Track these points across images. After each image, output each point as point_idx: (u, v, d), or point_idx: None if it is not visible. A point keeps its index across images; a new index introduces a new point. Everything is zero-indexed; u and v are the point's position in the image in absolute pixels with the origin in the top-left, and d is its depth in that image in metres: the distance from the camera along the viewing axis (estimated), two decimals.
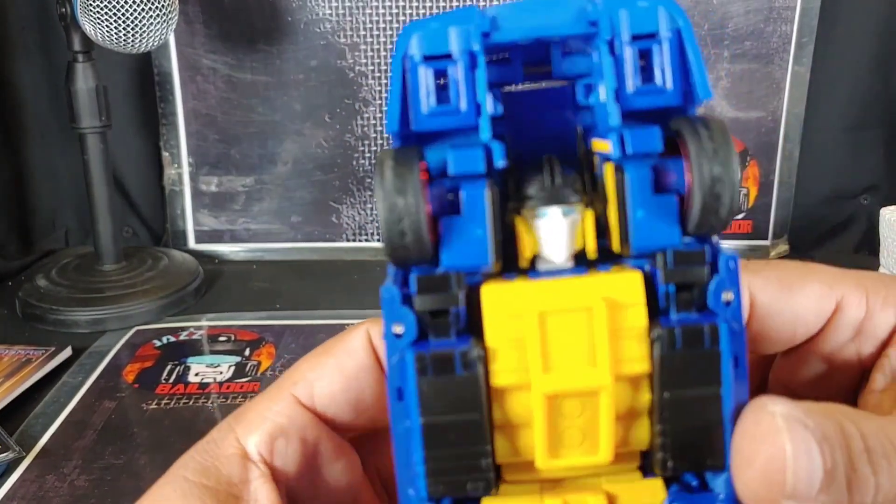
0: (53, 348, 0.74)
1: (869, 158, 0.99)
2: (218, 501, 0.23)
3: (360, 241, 1.01)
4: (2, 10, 0.95)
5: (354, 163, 0.99)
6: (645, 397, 0.21)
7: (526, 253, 0.21)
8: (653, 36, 0.20)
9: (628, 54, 0.20)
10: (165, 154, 0.99)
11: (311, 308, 0.85)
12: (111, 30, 0.75)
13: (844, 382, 0.25)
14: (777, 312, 0.24)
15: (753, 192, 0.97)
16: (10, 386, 0.68)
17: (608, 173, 0.21)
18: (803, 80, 0.94)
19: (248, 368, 0.73)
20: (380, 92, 0.96)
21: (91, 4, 0.74)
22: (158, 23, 0.76)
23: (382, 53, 0.95)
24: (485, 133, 0.20)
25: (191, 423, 0.65)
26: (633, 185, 0.20)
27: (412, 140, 0.21)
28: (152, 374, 0.73)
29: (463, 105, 0.21)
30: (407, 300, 0.21)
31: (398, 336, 0.21)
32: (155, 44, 0.77)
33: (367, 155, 0.98)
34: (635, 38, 0.20)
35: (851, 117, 0.97)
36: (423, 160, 0.21)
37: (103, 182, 0.86)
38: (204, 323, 0.83)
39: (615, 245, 0.21)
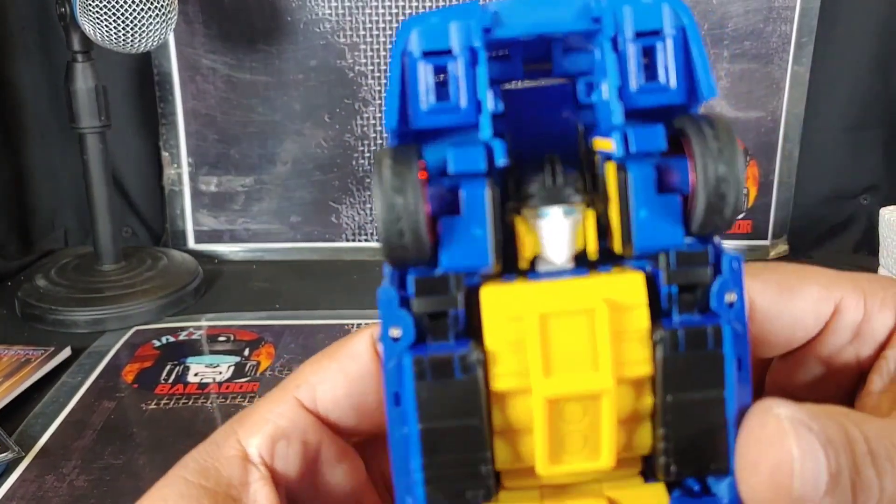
0: (53, 348, 0.74)
1: (869, 158, 0.99)
2: (216, 503, 0.23)
3: (359, 241, 1.01)
4: (2, 10, 0.95)
5: (354, 163, 0.99)
6: (647, 401, 0.20)
7: (526, 254, 0.21)
8: (657, 33, 0.20)
9: (632, 51, 0.20)
10: (165, 154, 0.99)
11: (310, 308, 0.85)
12: (111, 30, 0.75)
13: (842, 384, 0.25)
14: (776, 316, 0.24)
15: (753, 192, 0.97)
16: (10, 386, 0.68)
17: (610, 172, 0.21)
18: (803, 80, 0.94)
19: (247, 368, 0.73)
20: (379, 92, 0.96)
21: (90, 4, 0.74)
22: (158, 23, 0.76)
23: (382, 53, 0.95)
24: (485, 131, 0.20)
25: (190, 423, 0.65)
26: (636, 184, 0.20)
27: (410, 138, 0.21)
28: (152, 374, 0.73)
29: (463, 102, 0.20)
30: (404, 302, 0.20)
31: (395, 339, 0.20)
32: (154, 44, 0.77)
33: (367, 155, 0.98)
34: (639, 35, 0.20)
35: (851, 117, 0.97)
36: (421, 158, 0.20)
37: (103, 182, 0.86)
38: (203, 323, 0.83)
39: (617, 246, 0.21)
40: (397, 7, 0.93)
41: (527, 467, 0.21)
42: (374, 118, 0.97)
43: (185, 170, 0.99)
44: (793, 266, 0.25)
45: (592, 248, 0.21)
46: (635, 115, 0.20)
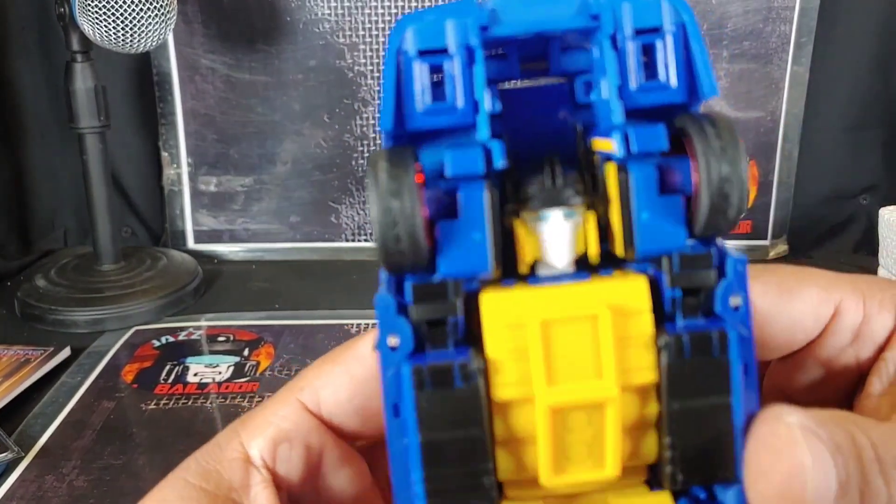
0: (52, 348, 0.74)
1: (868, 158, 0.99)
2: None
3: (359, 240, 1.01)
4: (2, 10, 0.95)
5: (353, 163, 0.99)
6: (652, 408, 0.20)
7: (526, 258, 0.20)
8: (656, 30, 0.20)
9: (631, 49, 0.20)
10: (164, 154, 0.99)
11: (310, 308, 0.85)
12: (110, 30, 0.75)
13: (841, 387, 0.25)
14: (776, 318, 0.24)
15: (753, 192, 0.97)
16: (9, 386, 0.68)
17: (610, 173, 0.20)
18: (802, 80, 0.94)
19: (246, 368, 0.73)
20: (379, 92, 0.96)
21: (90, 4, 0.74)
22: (157, 23, 0.76)
23: (382, 53, 0.95)
24: (483, 132, 0.20)
25: (189, 423, 0.65)
26: (637, 185, 0.19)
27: (405, 139, 0.20)
28: (151, 374, 0.73)
29: (460, 102, 0.20)
30: (402, 309, 0.20)
31: (393, 348, 0.20)
32: (154, 44, 0.77)
33: (367, 155, 0.98)
34: (638, 32, 0.20)
35: (851, 117, 0.97)
36: (417, 161, 0.20)
37: (102, 182, 0.86)
38: (203, 323, 0.83)
39: (618, 248, 0.20)
40: (397, 7, 0.93)
41: (530, 478, 0.20)
42: (374, 118, 0.97)
43: (185, 170, 0.99)
44: (791, 268, 0.25)
45: (594, 252, 0.20)
46: (635, 114, 0.20)
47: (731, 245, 0.20)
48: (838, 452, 0.18)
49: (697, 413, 0.20)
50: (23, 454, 0.60)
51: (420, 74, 0.20)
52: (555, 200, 0.20)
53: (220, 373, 0.73)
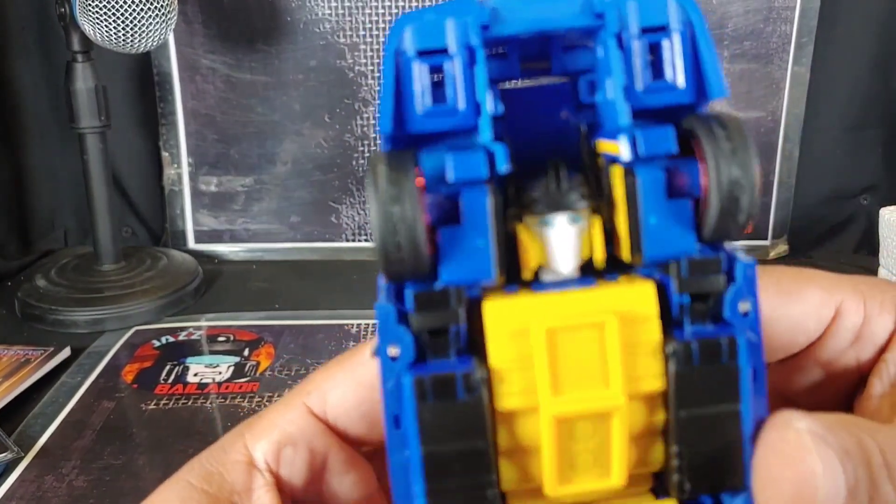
0: (52, 348, 0.74)
1: (868, 158, 0.99)
2: None
3: (359, 241, 1.01)
4: (2, 10, 0.95)
5: (354, 163, 0.99)
6: (659, 416, 0.19)
7: (531, 264, 0.20)
8: (663, 29, 0.19)
9: (637, 49, 0.19)
10: (165, 154, 0.99)
11: (310, 308, 0.85)
12: (110, 30, 0.75)
13: (841, 389, 0.25)
14: (777, 320, 0.24)
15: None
16: (9, 386, 0.68)
17: (617, 177, 0.20)
18: (803, 80, 0.94)
19: (247, 369, 0.73)
20: (379, 92, 0.96)
21: (90, 4, 0.74)
22: (157, 23, 0.76)
23: (382, 53, 0.95)
24: (485, 134, 0.19)
25: (189, 423, 0.65)
26: (645, 189, 0.19)
27: (404, 142, 0.20)
28: (151, 374, 0.73)
29: (461, 104, 0.19)
30: (402, 318, 0.19)
31: (394, 358, 0.19)
32: (154, 44, 0.77)
33: (367, 155, 0.98)
34: (644, 31, 0.19)
35: (851, 117, 0.97)
36: (417, 165, 0.19)
37: (102, 182, 0.86)
38: (203, 323, 0.83)
39: (625, 254, 0.20)
40: (397, 7, 0.93)
41: (534, 487, 0.20)
42: (374, 118, 0.97)
43: (185, 170, 0.99)
44: (791, 269, 0.25)
45: (600, 257, 0.20)
46: (640, 114, 0.19)
47: (737, 247, 0.20)
48: (847, 458, 0.18)
49: (706, 421, 0.19)
50: (23, 454, 0.60)
51: (419, 75, 0.19)
52: (559, 204, 0.20)
53: (220, 373, 0.73)
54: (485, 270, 0.19)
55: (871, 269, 0.84)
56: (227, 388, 0.70)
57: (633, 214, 0.19)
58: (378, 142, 0.97)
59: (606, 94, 0.20)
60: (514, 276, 0.20)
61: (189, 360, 0.75)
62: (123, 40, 0.75)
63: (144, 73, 0.97)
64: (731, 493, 0.20)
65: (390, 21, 0.94)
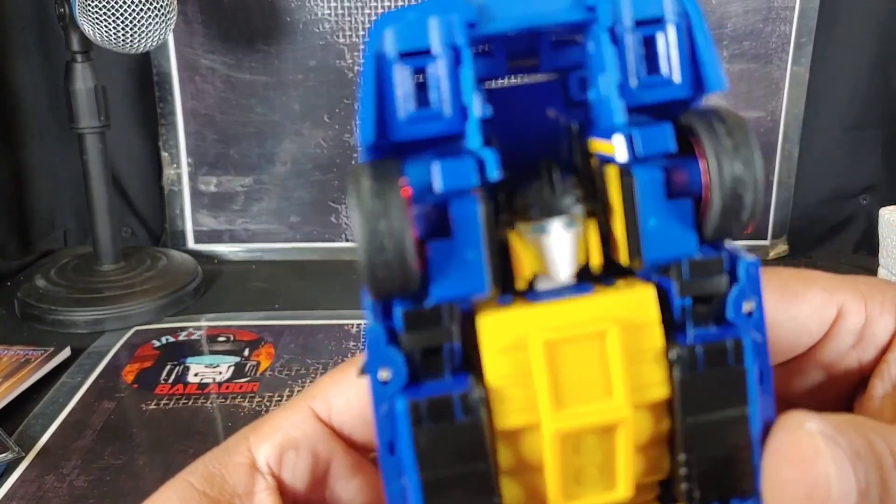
0: (52, 348, 0.74)
1: (868, 158, 0.99)
2: None
3: None
4: (1, 10, 0.95)
5: (353, 163, 0.99)
6: (664, 424, 0.19)
7: (525, 273, 0.19)
8: (657, 21, 0.18)
9: (631, 42, 0.18)
10: (164, 154, 0.99)
11: (310, 308, 0.85)
12: (110, 30, 0.75)
13: (842, 390, 0.25)
14: (779, 322, 0.23)
15: None
16: (10, 386, 0.68)
17: (612, 178, 0.19)
18: (802, 80, 0.94)
19: (247, 369, 0.73)
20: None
21: (90, 5, 0.74)
22: (157, 23, 0.76)
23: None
24: (474, 140, 0.18)
25: (190, 423, 0.65)
26: (643, 190, 0.18)
27: (385, 151, 0.18)
28: (151, 374, 0.73)
29: (447, 108, 0.18)
30: (392, 337, 0.18)
31: (385, 382, 0.18)
32: (154, 44, 0.77)
33: None
34: (638, 23, 0.18)
35: (851, 117, 0.97)
36: (403, 175, 0.18)
37: (102, 182, 0.86)
38: (203, 323, 0.83)
39: (622, 257, 0.19)
40: (397, 7, 0.93)
41: None
42: None
43: (185, 170, 0.99)
44: (791, 270, 0.24)
45: (597, 263, 0.19)
46: (634, 111, 0.18)
47: (739, 246, 0.19)
48: (858, 459, 0.18)
49: (713, 427, 0.19)
50: (23, 454, 0.60)
51: (401, 79, 0.18)
52: (554, 209, 0.19)
53: (220, 373, 0.73)
54: (478, 284, 0.18)
55: (870, 269, 0.84)
56: (227, 388, 0.70)
57: (631, 217, 0.18)
58: None
59: (599, 91, 0.19)
60: (507, 286, 0.19)
61: (189, 360, 0.75)
62: (123, 40, 0.75)
63: (144, 73, 0.97)
64: (740, 499, 0.19)
65: None
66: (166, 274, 0.88)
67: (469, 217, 0.18)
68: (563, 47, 0.20)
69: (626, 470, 0.19)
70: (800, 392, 0.25)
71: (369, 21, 0.94)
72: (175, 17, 0.78)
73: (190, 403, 0.68)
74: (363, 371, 0.19)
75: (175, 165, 0.99)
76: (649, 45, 0.18)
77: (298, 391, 0.69)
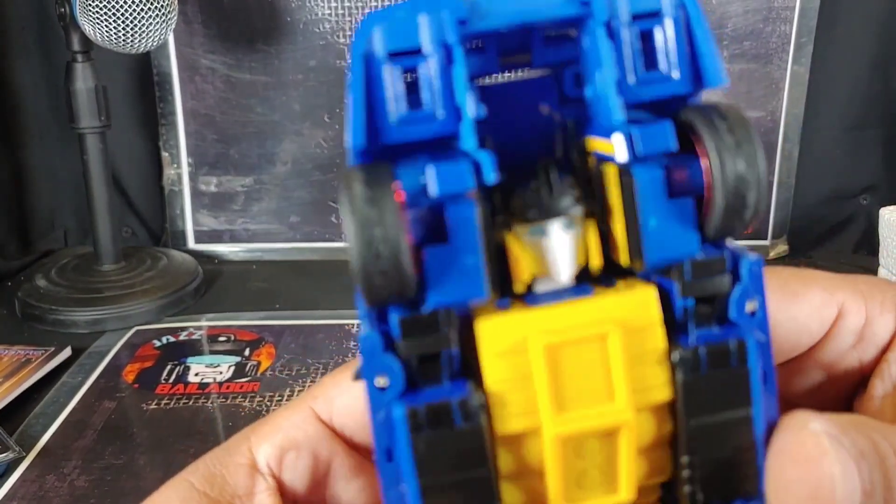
0: (53, 348, 0.74)
1: (868, 158, 0.99)
2: None
3: None
4: (1, 10, 0.95)
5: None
6: (667, 426, 0.19)
7: (523, 276, 0.19)
8: (655, 15, 0.18)
9: (627, 37, 0.18)
10: (165, 154, 0.99)
11: (310, 308, 0.85)
12: (110, 30, 0.75)
13: (842, 390, 0.25)
14: (779, 322, 0.23)
15: None
16: (10, 386, 0.68)
17: (611, 177, 0.18)
18: (802, 80, 0.94)
19: (247, 368, 0.73)
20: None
21: (90, 4, 0.74)
22: (157, 23, 0.76)
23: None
24: (469, 142, 0.17)
25: (190, 423, 0.65)
26: (644, 190, 0.18)
27: (376, 155, 0.18)
28: (152, 374, 0.73)
29: (439, 110, 0.17)
30: (389, 344, 0.18)
31: (382, 389, 0.18)
32: (154, 44, 0.77)
33: None
34: (635, 17, 0.18)
35: (851, 117, 0.97)
36: (396, 179, 0.17)
37: (102, 182, 0.86)
38: (203, 323, 0.83)
39: (623, 258, 0.18)
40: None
41: None
42: None
43: (185, 170, 0.99)
44: (791, 269, 0.24)
45: (597, 264, 0.19)
46: (631, 107, 0.18)
47: (740, 245, 0.19)
48: (863, 460, 0.18)
49: (717, 428, 0.18)
50: (24, 454, 0.60)
51: (391, 80, 0.17)
52: (552, 210, 0.18)
53: (220, 373, 0.73)
54: (477, 290, 0.18)
55: (871, 269, 0.84)
56: (227, 387, 0.70)
57: (632, 217, 0.18)
58: None
59: (596, 88, 0.18)
60: (505, 289, 0.19)
61: (190, 359, 0.75)
62: (123, 40, 0.75)
63: (144, 73, 0.97)
64: (743, 500, 0.19)
65: None
66: (167, 274, 0.88)
67: (466, 221, 0.17)
68: (556, 42, 0.20)
69: (629, 473, 0.18)
70: (800, 392, 0.25)
71: None
72: (175, 17, 0.78)
73: (190, 403, 0.68)
74: (358, 376, 0.18)
75: (175, 165, 0.99)
76: (646, 39, 0.18)
77: (299, 391, 0.69)
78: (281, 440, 0.24)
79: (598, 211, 0.19)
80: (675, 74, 0.18)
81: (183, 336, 0.80)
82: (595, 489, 0.19)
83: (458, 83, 0.17)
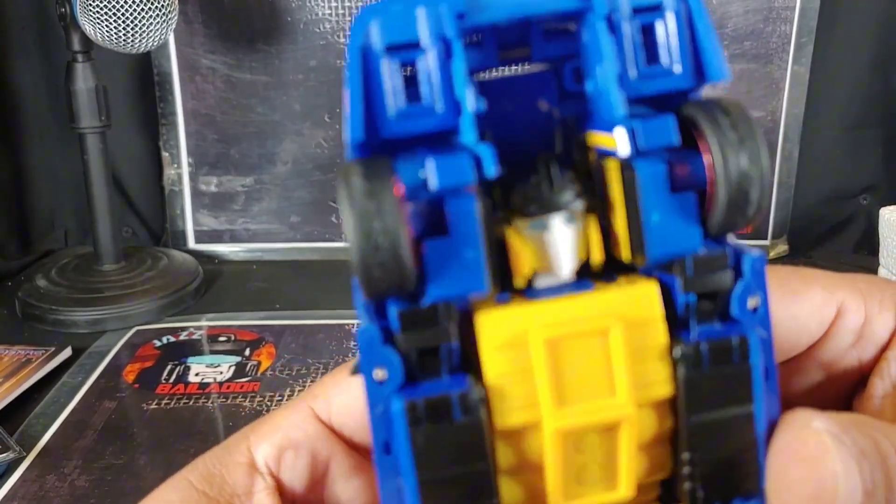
0: (53, 348, 0.74)
1: (868, 158, 0.99)
2: None
3: None
4: (1, 10, 0.95)
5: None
6: (668, 422, 0.18)
7: (524, 270, 0.18)
8: (656, 8, 0.18)
9: (628, 31, 0.17)
10: (165, 154, 0.99)
11: (310, 308, 0.85)
12: (111, 30, 0.75)
13: (841, 389, 0.25)
14: (779, 321, 0.23)
15: None
16: (10, 386, 0.68)
17: (613, 172, 0.18)
18: (802, 80, 0.94)
19: (248, 368, 0.73)
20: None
21: (91, 4, 0.74)
22: (158, 23, 0.76)
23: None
24: (469, 136, 0.17)
25: (191, 423, 0.65)
26: (646, 185, 0.17)
27: (375, 149, 0.18)
28: (152, 374, 0.73)
29: (439, 104, 0.17)
30: (388, 337, 0.18)
31: (381, 382, 0.18)
32: (154, 44, 0.77)
33: None
34: (636, 11, 0.17)
35: (851, 117, 0.97)
36: (395, 172, 0.17)
37: (103, 182, 0.86)
38: (204, 323, 0.83)
39: (624, 253, 0.18)
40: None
41: None
42: None
43: (185, 170, 0.99)
44: (791, 268, 0.24)
45: (598, 259, 0.19)
46: (633, 101, 0.18)
47: (742, 242, 0.19)
48: (864, 459, 0.18)
49: (718, 425, 0.18)
50: (24, 454, 0.60)
51: (389, 73, 0.17)
52: (553, 205, 0.18)
53: (221, 373, 0.73)
54: (477, 283, 0.17)
55: (871, 269, 0.84)
56: (228, 387, 0.70)
57: (634, 212, 0.18)
58: None
59: (597, 83, 0.18)
60: (505, 284, 0.19)
61: (190, 359, 0.75)
62: (124, 40, 0.75)
63: (144, 73, 0.97)
64: (744, 498, 0.19)
65: None
66: (167, 274, 0.88)
67: (466, 215, 0.17)
68: (556, 36, 0.20)
69: (629, 469, 0.18)
70: (799, 391, 0.25)
71: None
72: (176, 17, 0.78)
73: (191, 403, 0.68)
74: (356, 370, 0.18)
75: (175, 165, 0.99)
76: (648, 33, 0.18)
77: (299, 391, 0.69)
78: (280, 439, 0.24)
79: (598, 206, 0.19)
80: (677, 69, 0.18)
81: (183, 336, 0.80)
82: (594, 485, 0.18)
83: (458, 77, 0.17)
